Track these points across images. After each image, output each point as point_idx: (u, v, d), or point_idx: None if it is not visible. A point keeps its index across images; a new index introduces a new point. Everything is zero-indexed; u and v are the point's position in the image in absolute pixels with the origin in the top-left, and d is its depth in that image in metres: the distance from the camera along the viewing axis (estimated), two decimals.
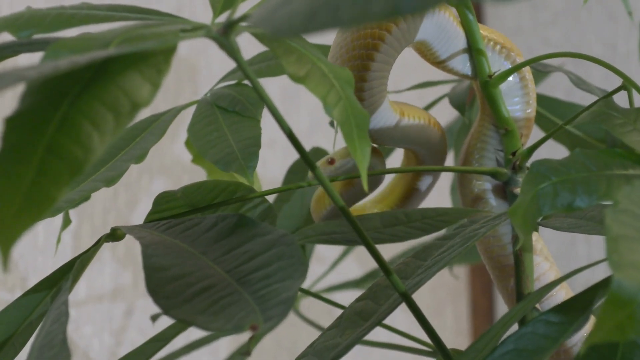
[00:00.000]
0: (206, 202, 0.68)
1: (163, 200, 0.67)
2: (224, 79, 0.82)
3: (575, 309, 0.53)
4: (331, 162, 0.72)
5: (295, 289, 0.46)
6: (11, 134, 0.43)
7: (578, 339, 0.71)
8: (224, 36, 0.49)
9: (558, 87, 1.49)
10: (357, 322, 0.62)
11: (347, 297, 0.91)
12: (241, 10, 0.52)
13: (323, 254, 1.46)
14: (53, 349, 0.50)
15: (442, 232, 1.11)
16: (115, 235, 0.62)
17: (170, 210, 0.67)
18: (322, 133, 1.50)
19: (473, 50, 0.68)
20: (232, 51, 0.49)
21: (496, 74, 0.68)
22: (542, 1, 1.71)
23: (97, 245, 0.60)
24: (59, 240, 0.78)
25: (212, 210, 0.67)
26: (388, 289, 0.63)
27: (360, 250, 1.15)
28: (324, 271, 1.14)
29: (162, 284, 0.48)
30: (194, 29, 0.49)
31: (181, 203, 0.67)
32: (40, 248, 1.15)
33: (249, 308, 0.46)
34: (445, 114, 1.07)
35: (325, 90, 0.50)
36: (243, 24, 0.49)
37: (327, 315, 1.37)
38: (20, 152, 0.43)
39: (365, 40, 0.66)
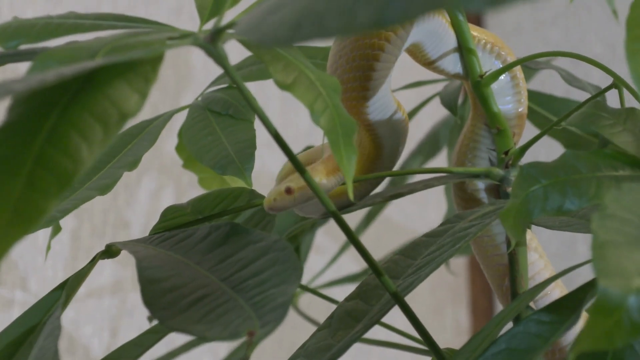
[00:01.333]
0: (210, 209, 0.68)
1: (170, 212, 0.67)
2: (214, 82, 0.82)
3: (566, 308, 0.53)
4: (289, 191, 0.65)
5: (291, 293, 0.47)
6: None
7: (572, 337, 0.71)
8: (212, 44, 0.49)
9: (557, 85, 1.49)
10: (348, 322, 0.62)
11: (346, 293, 0.90)
12: (228, 16, 0.52)
13: (322, 246, 1.46)
14: None
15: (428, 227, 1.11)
16: (110, 252, 0.62)
17: (176, 219, 0.68)
18: (321, 133, 1.50)
19: (464, 50, 0.68)
20: (220, 59, 0.49)
21: (487, 74, 0.68)
22: (542, 1, 1.70)
23: (92, 262, 0.60)
24: (48, 248, 0.78)
25: (216, 218, 0.67)
26: (378, 289, 0.63)
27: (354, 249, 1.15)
28: (321, 266, 1.14)
29: (158, 296, 0.48)
30: (181, 37, 0.49)
31: (188, 212, 0.68)
32: (40, 248, 1.15)
33: (245, 314, 0.46)
34: (438, 113, 1.07)
35: (312, 98, 0.50)
36: (230, 31, 0.49)
37: (327, 312, 1.37)
38: (8, 164, 0.43)
39: (365, 51, 0.66)
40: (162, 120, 0.75)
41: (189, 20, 1.32)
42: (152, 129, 0.73)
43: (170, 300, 0.49)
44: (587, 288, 0.53)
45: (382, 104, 0.68)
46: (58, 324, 0.51)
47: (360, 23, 0.34)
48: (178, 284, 0.50)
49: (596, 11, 1.63)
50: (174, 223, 0.67)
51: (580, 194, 0.47)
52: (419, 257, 0.63)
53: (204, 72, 1.35)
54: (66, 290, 0.56)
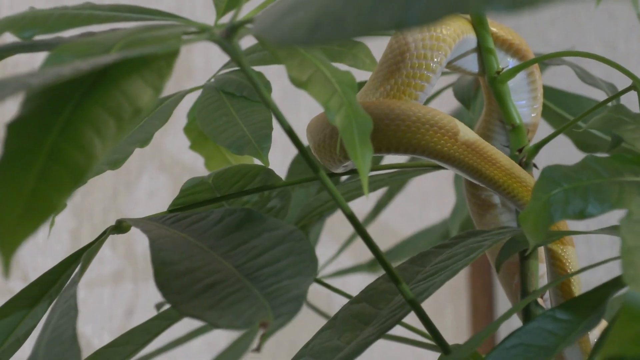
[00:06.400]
0: (229, 185, 0.69)
1: (190, 186, 0.67)
2: (225, 66, 0.81)
3: (583, 307, 0.52)
4: None
5: (306, 286, 0.46)
6: (12, 139, 0.43)
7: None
8: (227, 39, 0.48)
9: (561, 84, 1.48)
10: (355, 324, 0.61)
11: (345, 284, 0.90)
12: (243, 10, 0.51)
13: (324, 242, 1.46)
14: (63, 345, 0.50)
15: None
16: (120, 227, 0.61)
17: (195, 195, 0.68)
18: None
19: (483, 49, 0.67)
20: (236, 55, 0.48)
21: (504, 70, 0.67)
22: (564, 4, 1.69)
23: (103, 236, 0.59)
24: (52, 224, 0.77)
25: (237, 198, 0.68)
26: (386, 293, 0.62)
27: (355, 246, 1.14)
28: (322, 259, 1.13)
29: (171, 279, 0.48)
30: (197, 32, 0.48)
31: (207, 188, 0.68)
32: (40, 248, 1.15)
33: (258, 304, 0.46)
34: (451, 105, 1.06)
35: (327, 96, 0.49)
36: (248, 25, 0.48)
37: (326, 302, 1.36)
38: (21, 158, 0.43)
39: (439, 43, 0.66)
40: (174, 99, 0.74)
41: None
42: (164, 107, 0.73)
43: (183, 284, 0.48)
44: (607, 288, 0.53)
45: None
46: (74, 303, 0.51)
47: (380, 25, 0.34)
48: (191, 267, 0.49)
49: (596, 11, 1.62)
50: (192, 199, 0.68)
51: (602, 199, 0.47)
52: (428, 264, 0.63)
53: (204, 68, 1.33)
54: (83, 260, 0.56)
